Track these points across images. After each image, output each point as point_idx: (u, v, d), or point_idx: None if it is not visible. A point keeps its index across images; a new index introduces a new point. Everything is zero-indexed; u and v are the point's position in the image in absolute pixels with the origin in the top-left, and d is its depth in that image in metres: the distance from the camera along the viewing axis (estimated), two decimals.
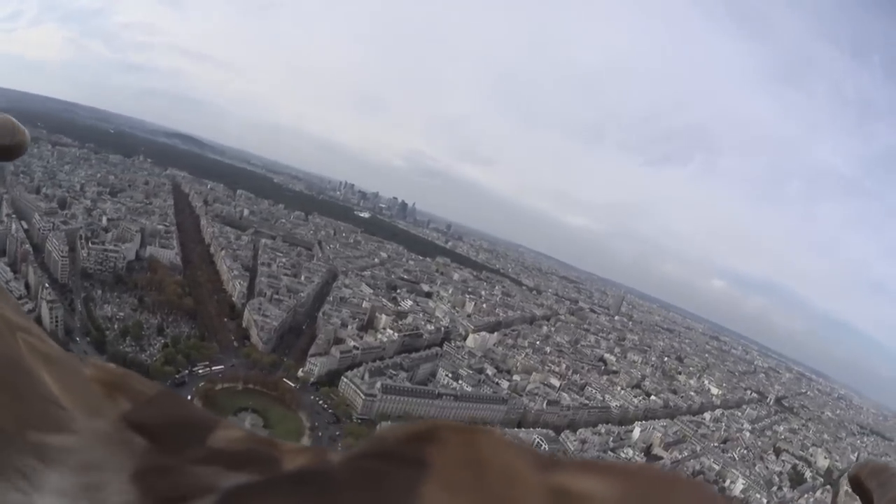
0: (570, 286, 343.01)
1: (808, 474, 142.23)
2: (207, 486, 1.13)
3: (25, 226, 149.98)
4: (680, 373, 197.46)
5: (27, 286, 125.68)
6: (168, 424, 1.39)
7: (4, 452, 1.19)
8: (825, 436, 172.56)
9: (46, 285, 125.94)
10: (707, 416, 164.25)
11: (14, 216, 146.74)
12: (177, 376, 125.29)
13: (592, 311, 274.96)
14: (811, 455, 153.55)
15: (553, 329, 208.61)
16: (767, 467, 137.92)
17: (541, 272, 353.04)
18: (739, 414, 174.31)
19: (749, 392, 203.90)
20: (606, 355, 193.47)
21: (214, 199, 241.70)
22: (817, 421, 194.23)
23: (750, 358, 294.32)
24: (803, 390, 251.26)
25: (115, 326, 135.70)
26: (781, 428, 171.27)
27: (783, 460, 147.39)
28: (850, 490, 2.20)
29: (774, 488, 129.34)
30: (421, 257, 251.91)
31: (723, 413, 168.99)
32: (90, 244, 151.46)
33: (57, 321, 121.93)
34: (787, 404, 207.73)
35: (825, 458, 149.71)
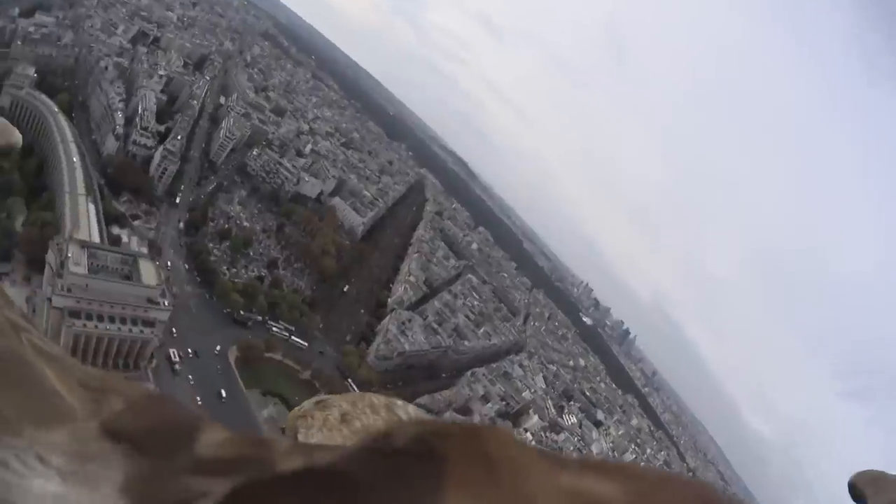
0: (722, 485, 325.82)
1: None
2: (197, 492, 1.21)
3: (223, 100, 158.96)
4: None
5: (166, 130, 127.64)
6: (153, 429, 1.51)
7: (8, 439, 1.37)
8: None
9: (179, 137, 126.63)
10: None
11: (208, 77, 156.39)
12: (241, 312, 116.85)
13: None
14: None
15: None
16: None
17: (705, 458, 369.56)
18: None
19: None
20: None
21: (449, 217, 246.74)
22: None
23: None
24: None
25: (223, 223, 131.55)
26: None
27: None
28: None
29: None
30: (614, 386, 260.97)
31: None
32: (268, 149, 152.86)
33: (163, 172, 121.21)
34: None
35: None
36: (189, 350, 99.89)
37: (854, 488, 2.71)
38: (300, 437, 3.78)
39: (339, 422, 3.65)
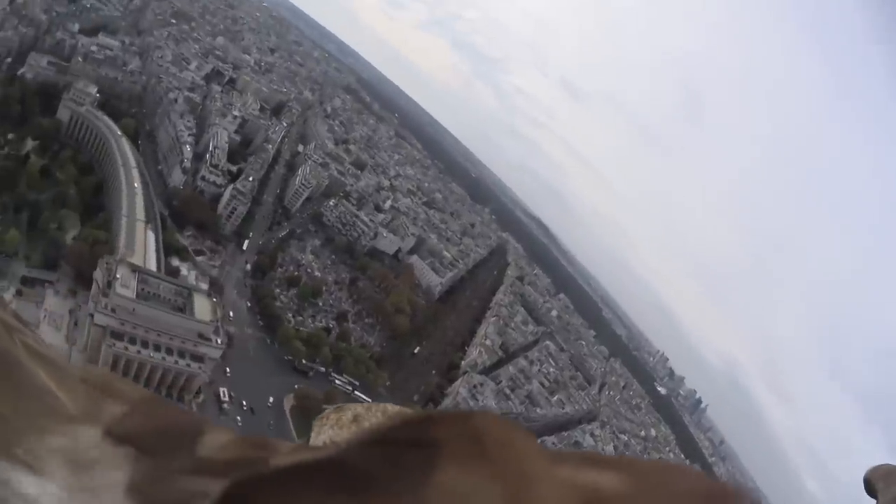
0: None
1: None
2: (197, 493, 1.25)
3: (300, 148, 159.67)
4: None
5: (238, 170, 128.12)
6: (155, 431, 1.56)
7: (7, 438, 1.39)
8: None
9: (251, 178, 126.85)
10: None
11: (285, 123, 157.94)
12: (304, 361, 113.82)
13: None
14: None
15: None
16: None
17: None
18: None
19: None
20: None
21: (530, 283, 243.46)
22: None
23: None
24: None
25: (292, 270, 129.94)
26: None
27: None
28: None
29: None
30: (682, 456, 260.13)
31: None
32: (346, 201, 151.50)
33: (232, 212, 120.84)
34: None
35: None
36: (243, 403, 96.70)
37: (868, 483, 2.76)
38: (314, 434, 4.24)
39: (351, 422, 4.04)
